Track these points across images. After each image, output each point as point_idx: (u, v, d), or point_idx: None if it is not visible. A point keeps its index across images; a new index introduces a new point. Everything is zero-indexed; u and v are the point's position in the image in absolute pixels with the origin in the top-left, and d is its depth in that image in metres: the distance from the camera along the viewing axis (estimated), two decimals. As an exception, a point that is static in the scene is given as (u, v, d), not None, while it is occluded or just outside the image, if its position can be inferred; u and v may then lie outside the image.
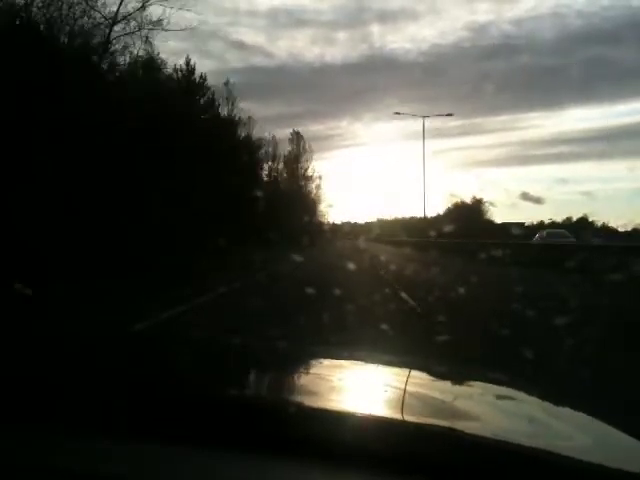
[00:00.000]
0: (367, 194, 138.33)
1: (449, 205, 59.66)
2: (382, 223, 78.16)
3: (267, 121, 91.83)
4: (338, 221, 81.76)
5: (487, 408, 1.24)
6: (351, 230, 72.33)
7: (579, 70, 77.83)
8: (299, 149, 67.27)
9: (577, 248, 17.27)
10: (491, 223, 56.91)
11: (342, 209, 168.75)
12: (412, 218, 69.25)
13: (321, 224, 65.65)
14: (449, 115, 45.87)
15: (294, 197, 54.00)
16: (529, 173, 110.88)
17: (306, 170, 66.98)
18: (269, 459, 0.86)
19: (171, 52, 76.45)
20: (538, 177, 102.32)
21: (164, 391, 1.06)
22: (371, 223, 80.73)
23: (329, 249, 40.02)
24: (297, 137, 67.97)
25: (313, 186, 65.12)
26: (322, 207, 66.44)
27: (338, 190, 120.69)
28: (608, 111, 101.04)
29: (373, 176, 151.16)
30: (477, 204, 56.98)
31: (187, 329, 6.09)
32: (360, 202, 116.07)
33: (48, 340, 1.75)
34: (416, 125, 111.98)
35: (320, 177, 65.23)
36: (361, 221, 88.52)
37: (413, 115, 45.20)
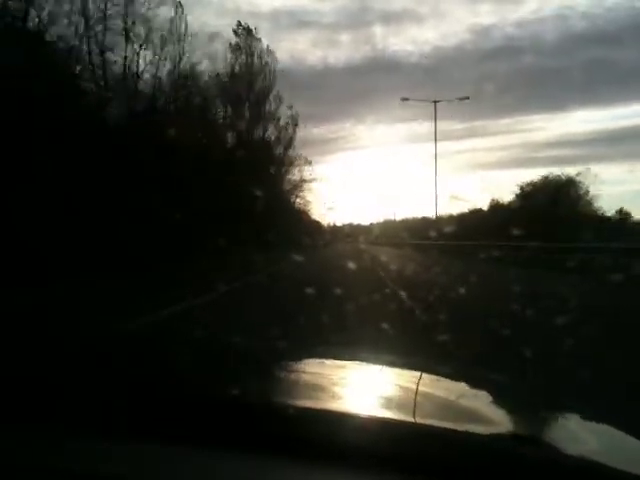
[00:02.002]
0: (370, 196, 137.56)
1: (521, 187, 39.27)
2: (388, 224, 74.85)
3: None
4: (340, 223, 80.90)
5: (488, 408, 1.23)
6: (352, 232, 70.58)
7: (583, 72, 77.39)
8: (248, 60, 32.63)
9: None
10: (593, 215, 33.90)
11: (345, 211, 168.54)
12: (424, 218, 61.47)
13: (319, 225, 63.16)
14: (464, 99, 36.16)
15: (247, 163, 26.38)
16: (532, 175, 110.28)
17: (271, 111, 35.31)
18: (269, 459, 0.86)
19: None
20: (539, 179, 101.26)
21: (164, 391, 1.06)
22: (375, 224, 78.52)
23: (324, 252, 37.60)
24: (247, 37, 32.42)
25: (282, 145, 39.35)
26: (322, 208, 61.32)
27: (341, 192, 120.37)
28: (612, 113, 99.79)
29: (376, 178, 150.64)
30: (567, 185, 35.34)
31: (188, 328, 6.10)
32: (362, 204, 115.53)
33: (48, 340, 1.75)
34: (420, 128, 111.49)
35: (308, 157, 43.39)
36: (365, 222, 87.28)
37: (421, 100, 37.22)
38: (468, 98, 36.77)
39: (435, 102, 35.57)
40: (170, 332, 5.73)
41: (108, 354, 1.55)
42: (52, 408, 0.98)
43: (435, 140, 39.22)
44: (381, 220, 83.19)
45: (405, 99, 36.66)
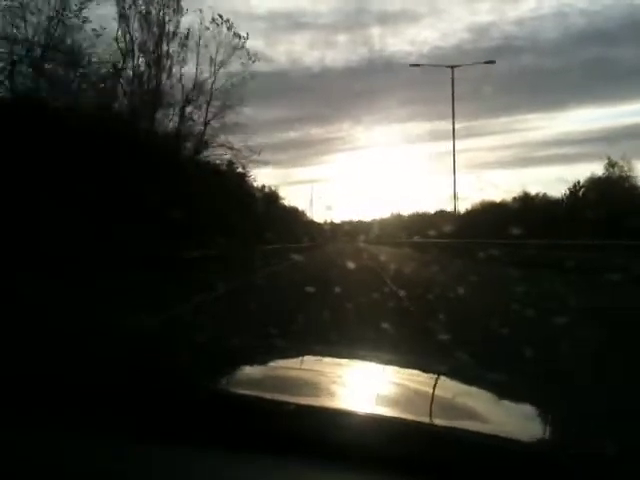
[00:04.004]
0: (369, 194, 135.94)
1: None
2: (389, 221, 71.92)
3: (266, 126, 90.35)
4: (340, 220, 79.51)
5: (487, 408, 1.24)
6: (351, 230, 67.96)
7: (582, 70, 76.47)
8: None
9: None
10: None
11: (345, 209, 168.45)
12: (441, 212, 52.36)
13: (314, 224, 60.46)
14: (489, 62, 30.68)
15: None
16: (532, 175, 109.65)
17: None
18: (269, 459, 0.86)
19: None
20: (541, 178, 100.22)
21: (165, 391, 1.06)
22: (376, 221, 74.93)
23: (312, 255, 30.41)
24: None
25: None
26: (321, 207, 58.14)
27: (340, 191, 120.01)
28: (612, 111, 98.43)
29: (375, 177, 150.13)
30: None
31: (190, 329, 6.11)
32: (362, 202, 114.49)
33: (48, 340, 1.75)
34: (416, 129, 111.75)
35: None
36: (366, 219, 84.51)
37: (435, 65, 31.82)
38: (494, 62, 31.21)
39: (452, 67, 30.20)
40: (171, 332, 5.73)
41: (109, 355, 1.55)
42: (53, 408, 0.98)
43: (453, 113, 30.27)
44: (383, 217, 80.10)
45: (415, 65, 32.38)
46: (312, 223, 59.93)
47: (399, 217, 70.65)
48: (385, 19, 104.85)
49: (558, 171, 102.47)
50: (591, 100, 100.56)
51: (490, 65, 30.99)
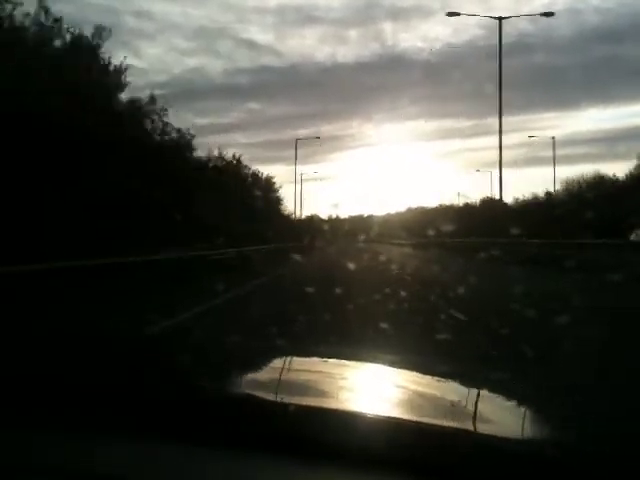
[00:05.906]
0: (376, 190, 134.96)
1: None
2: (397, 216, 69.98)
3: (276, 122, 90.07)
4: (346, 215, 77.77)
5: (490, 409, 1.23)
6: (355, 226, 64.05)
7: (595, 69, 75.81)
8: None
9: None
10: None
11: (352, 205, 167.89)
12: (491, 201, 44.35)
13: (304, 222, 53.65)
14: (549, 15, 26.67)
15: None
16: (542, 174, 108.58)
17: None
18: (269, 459, 0.86)
19: (181, 52, 75.10)
20: (552, 178, 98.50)
21: (165, 391, 1.06)
22: (383, 216, 72.84)
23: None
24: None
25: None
26: (327, 204, 53.26)
27: (348, 188, 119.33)
28: (624, 111, 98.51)
29: (384, 174, 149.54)
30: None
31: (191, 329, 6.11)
32: (369, 198, 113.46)
33: (49, 340, 1.75)
34: (427, 126, 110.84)
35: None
36: (376, 213, 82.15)
37: (477, 15, 27.27)
38: (553, 14, 26.56)
39: (500, 19, 26.10)
40: (172, 334, 5.75)
41: (109, 355, 1.55)
42: (53, 408, 0.98)
43: (500, 61, 25.60)
44: (399, 210, 78.31)
45: (454, 14, 26.57)
46: (299, 222, 53.94)
47: (420, 211, 65.51)
48: (397, 14, 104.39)
49: (570, 171, 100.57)
50: (604, 99, 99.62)
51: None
